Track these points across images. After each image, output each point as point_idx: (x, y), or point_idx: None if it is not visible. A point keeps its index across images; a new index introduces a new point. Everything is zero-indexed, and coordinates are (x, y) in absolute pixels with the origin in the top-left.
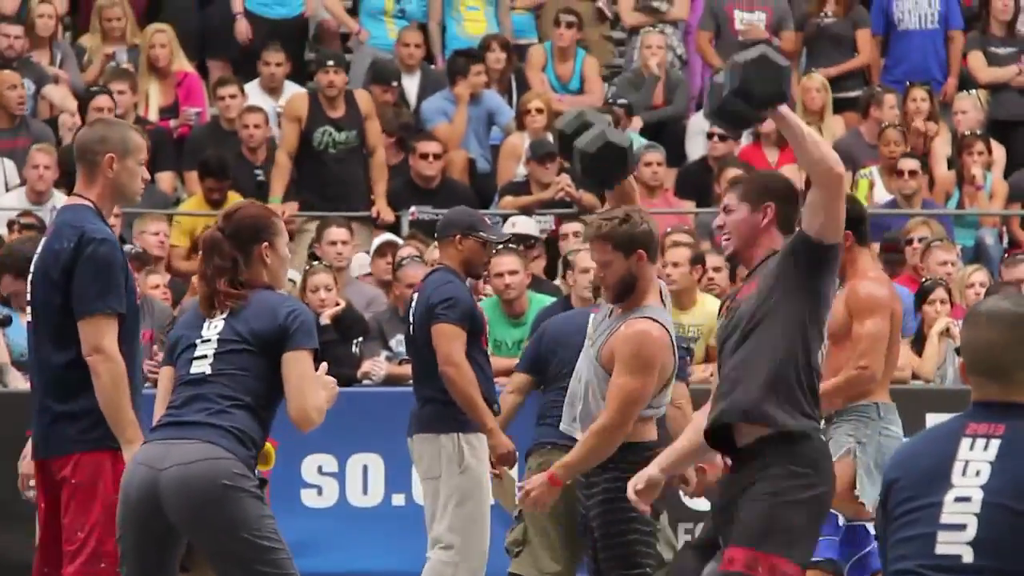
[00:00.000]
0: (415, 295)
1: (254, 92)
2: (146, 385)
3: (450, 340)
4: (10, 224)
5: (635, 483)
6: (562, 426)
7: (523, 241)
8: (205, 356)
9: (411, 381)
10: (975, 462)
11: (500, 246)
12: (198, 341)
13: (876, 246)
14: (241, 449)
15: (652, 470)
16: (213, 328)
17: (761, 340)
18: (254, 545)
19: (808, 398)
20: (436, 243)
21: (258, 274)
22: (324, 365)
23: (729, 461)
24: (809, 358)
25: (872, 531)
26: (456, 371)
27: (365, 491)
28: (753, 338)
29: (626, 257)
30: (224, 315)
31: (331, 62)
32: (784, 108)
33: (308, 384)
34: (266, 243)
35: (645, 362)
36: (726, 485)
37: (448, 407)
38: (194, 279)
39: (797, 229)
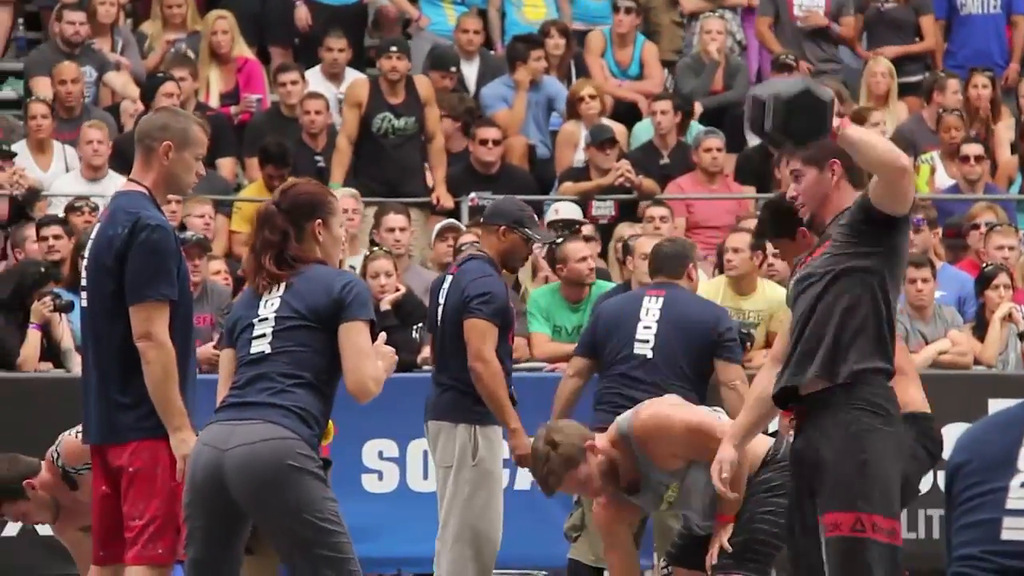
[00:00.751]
0: (448, 278)
1: (315, 79)
2: (205, 369)
3: (483, 336)
4: (69, 208)
5: (719, 470)
6: None
7: (568, 227)
8: (264, 335)
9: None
10: None
11: (559, 240)
12: (255, 320)
13: (940, 231)
14: (304, 428)
15: (730, 453)
16: (270, 306)
17: (839, 295)
18: (316, 527)
19: (885, 350)
20: (484, 228)
21: (310, 250)
22: (383, 335)
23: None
24: (889, 311)
25: None
26: (486, 368)
27: (425, 476)
28: (831, 293)
29: None
30: (280, 292)
31: (394, 48)
32: (838, 130)
33: (364, 355)
34: (320, 220)
35: None
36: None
37: (466, 397)
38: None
39: (866, 194)
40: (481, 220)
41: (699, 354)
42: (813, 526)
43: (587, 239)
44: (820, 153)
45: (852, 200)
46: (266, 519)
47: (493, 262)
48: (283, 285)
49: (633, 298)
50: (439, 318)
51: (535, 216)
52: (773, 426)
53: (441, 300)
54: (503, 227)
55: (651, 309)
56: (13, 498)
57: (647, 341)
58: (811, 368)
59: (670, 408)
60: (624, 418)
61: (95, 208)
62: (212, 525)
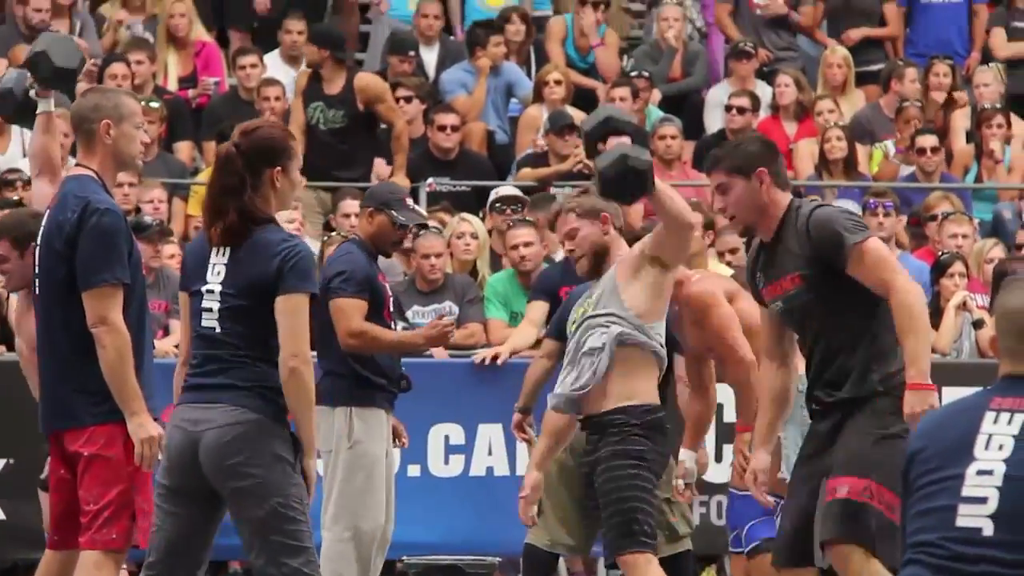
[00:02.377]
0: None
1: (275, 62)
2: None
3: (347, 314)
4: (3, 182)
5: (752, 477)
6: None
7: (509, 204)
8: (211, 310)
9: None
10: (998, 436)
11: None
12: (203, 289)
13: (904, 219)
14: (268, 406)
15: (764, 461)
16: (216, 274)
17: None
18: (277, 513)
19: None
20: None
21: (265, 197)
22: None
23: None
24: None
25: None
26: (361, 339)
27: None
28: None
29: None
30: (225, 258)
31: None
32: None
33: (294, 334)
34: (279, 168)
35: None
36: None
37: (343, 380)
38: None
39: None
40: (361, 207)
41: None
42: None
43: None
44: (745, 163)
45: (784, 201)
46: (233, 500)
47: (364, 244)
48: (228, 250)
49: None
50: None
51: (406, 200)
52: None
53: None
54: (371, 209)
55: None
56: None
57: None
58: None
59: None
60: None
61: (27, 181)
62: (184, 505)
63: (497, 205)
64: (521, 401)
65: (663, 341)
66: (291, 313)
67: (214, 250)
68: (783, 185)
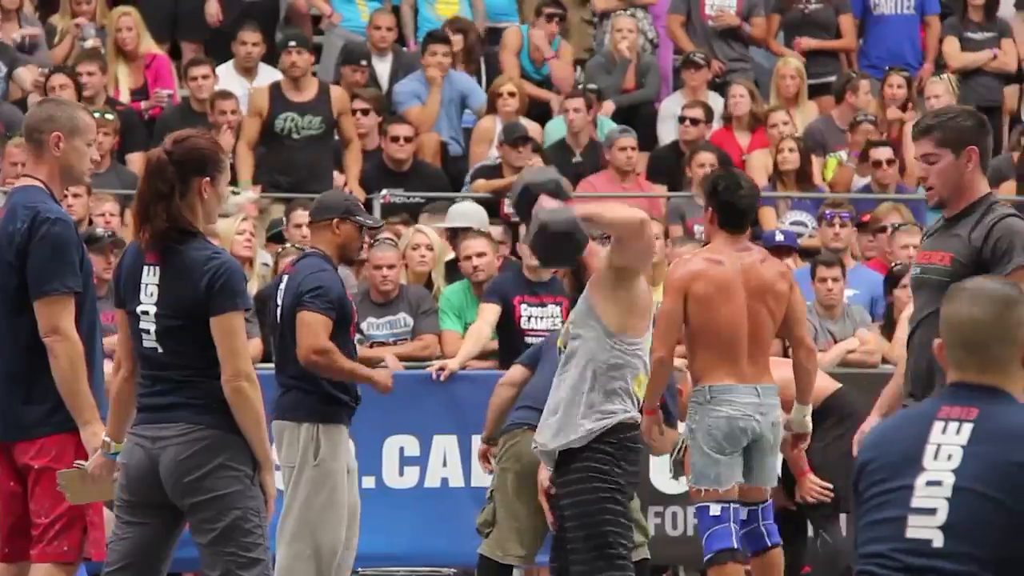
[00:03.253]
0: (284, 277)
1: (228, 74)
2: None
3: (315, 329)
4: None
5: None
6: None
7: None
8: (149, 331)
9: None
10: (947, 446)
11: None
12: (139, 311)
13: (855, 230)
14: (225, 420)
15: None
16: (149, 295)
17: None
18: (236, 527)
19: None
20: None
21: (192, 207)
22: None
23: None
24: None
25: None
26: (324, 357)
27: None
28: None
29: None
30: (156, 277)
31: (293, 43)
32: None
33: (232, 352)
34: (208, 178)
35: None
36: None
37: (309, 396)
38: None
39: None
40: (309, 220)
41: None
42: None
43: (493, 237)
44: (958, 137)
45: (983, 188)
46: (192, 514)
47: (328, 257)
48: (158, 269)
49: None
50: (278, 317)
51: (360, 203)
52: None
53: (279, 300)
54: (336, 220)
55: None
56: None
57: None
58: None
59: None
60: None
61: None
62: (146, 520)
63: (448, 232)
64: (485, 432)
65: (646, 355)
66: (227, 333)
67: (145, 269)
68: (986, 168)
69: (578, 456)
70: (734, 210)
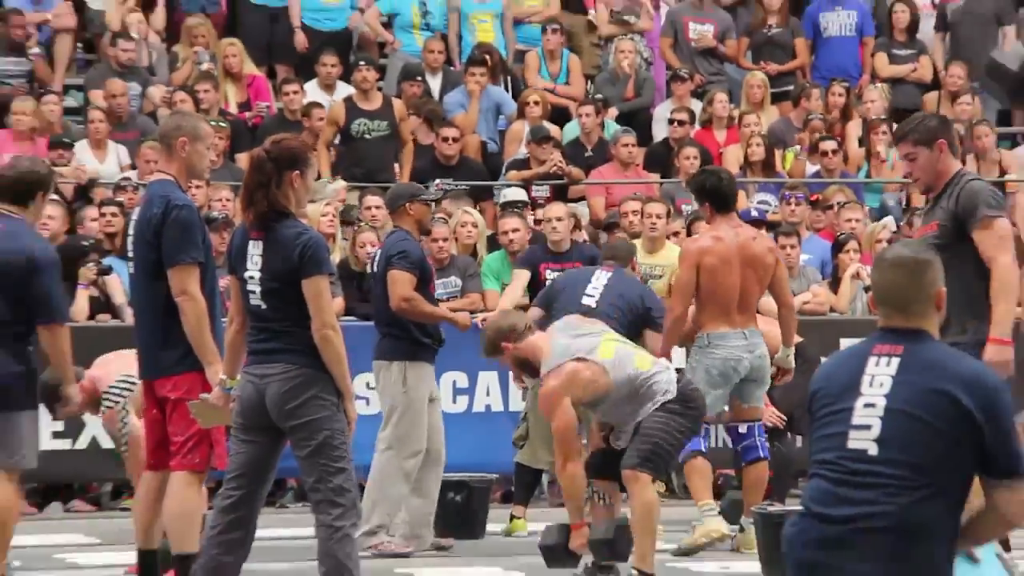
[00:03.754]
0: (378, 251)
1: (313, 89)
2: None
3: (403, 283)
4: (117, 186)
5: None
6: None
7: (512, 206)
8: (255, 292)
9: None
10: (879, 376)
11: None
12: (246, 276)
13: (808, 207)
14: (315, 362)
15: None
16: (254, 262)
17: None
18: (325, 444)
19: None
20: (389, 212)
21: (286, 195)
22: None
23: None
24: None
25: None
26: (410, 304)
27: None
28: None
29: None
30: (259, 250)
31: (363, 63)
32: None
33: (319, 308)
34: (298, 171)
35: None
36: None
37: (400, 341)
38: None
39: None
40: (389, 207)
41: (631, 324)
42: None
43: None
44: (928, 135)
45: (955, 167)
46: (291, 434)
47: (409, 232)
48: (261, 244)
49: (586, 270)
50: (374, 280)
51: (421, 187)
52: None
53: (374, 268)
54: (407, 203)
55: (600, 278)
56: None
57: (592, 296)
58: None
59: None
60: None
61: (136, 187)
62: (256, 439)
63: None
64: None
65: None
66: (315, 293)
67: (250, 243)
68: (955, 153)
69: None
70: (722, 196)
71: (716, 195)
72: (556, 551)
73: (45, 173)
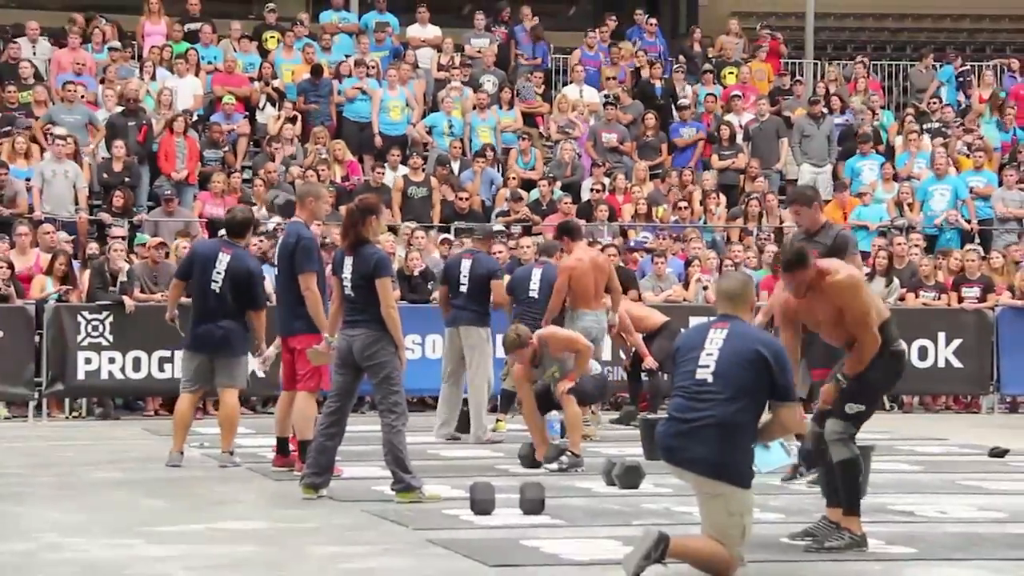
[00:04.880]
0: (468, 262)
1: (386, 171)
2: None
3: (501, 289)
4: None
5: None
6: None
7: (497, 234)
8: (348, 287)
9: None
10: (715, 340)
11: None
12: (343, 277)
13: (671, 241)
14: (383, 328)
15: None
16: (347, 269)
17: None
18: (388, 377)
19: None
20: (474, 240)
21: (367, 230)
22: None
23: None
24: None
25: None
26: (504, 300)
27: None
28: None
29: None
30: (351, 263)
31: (414, 154)
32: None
33: (384, 299)
34: (374, 216)
35: None
36: None
37: (484, 316)
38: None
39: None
40: (476, 236)
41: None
42: None
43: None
44: (808, 199)
45: (822, 220)
46: (368, 370)
47: (485, 252)
48: (352, 258)
49: (527, 268)
50: (467, 281)
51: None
52: None
53: (469, 275)
54: (480, 236)
55: (535, 273)
56: None
57: (534, 289)
58: None
59: (560, 331)
60: (538, 332)
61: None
62: (347, 373)
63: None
64: None
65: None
66: (383, 288)
67: (346, 258)
68: (822, 209)
69: None
70: (576, 232)
71: (573, 231)
72: (527, 460)
73: (252, 216)
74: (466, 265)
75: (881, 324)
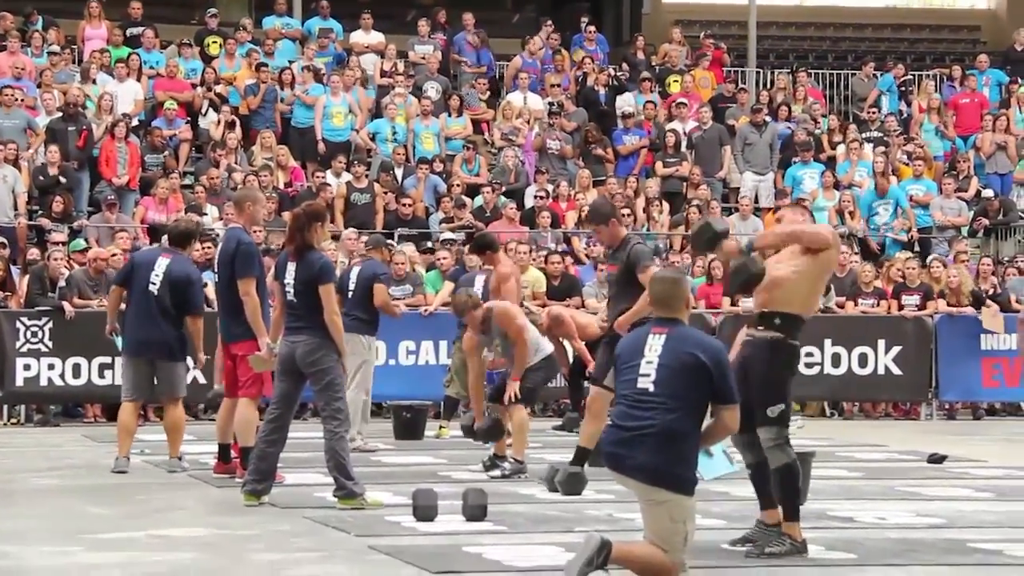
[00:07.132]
0: (478, 277)
1: (329, 176)
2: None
3: (382, 292)
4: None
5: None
6: None
7: (447, 243)
8: (290, 291)
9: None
10: (655, 345)
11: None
12: (285, 282)
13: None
14: (326, 335)
15: None
16: (290, 274)
17: None
18: (331, 383)
19: None
20: (368, 248)
21: (312, 238)
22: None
23: None
24: None
25: None
26: (385, 303)
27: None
28: None
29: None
30: (294, 268)
31: (357, 161)
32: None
33: (327, 305)
34: (319, 223)
35: None
36: None
37: (368, 324)
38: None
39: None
40: (473, 248)
41: None
42: None
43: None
44: (604, 218)
45: (623, 234)
46: (310, 377)
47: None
48: (295, 264)
49: (471, 275)
50: (354, 287)
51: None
52: None
53: (353, 278)
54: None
55: (480, 278)
56: None
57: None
58: None
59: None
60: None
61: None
62: (288, 380)
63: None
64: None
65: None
66: (326, 294)
67: (289, 263)
68: (621, 222)
69: None
70: (495, 243)
71: (491, 245)
72: (467, 430)
73: (196, 228)
74: (355, 272)
75: (793, 320)
